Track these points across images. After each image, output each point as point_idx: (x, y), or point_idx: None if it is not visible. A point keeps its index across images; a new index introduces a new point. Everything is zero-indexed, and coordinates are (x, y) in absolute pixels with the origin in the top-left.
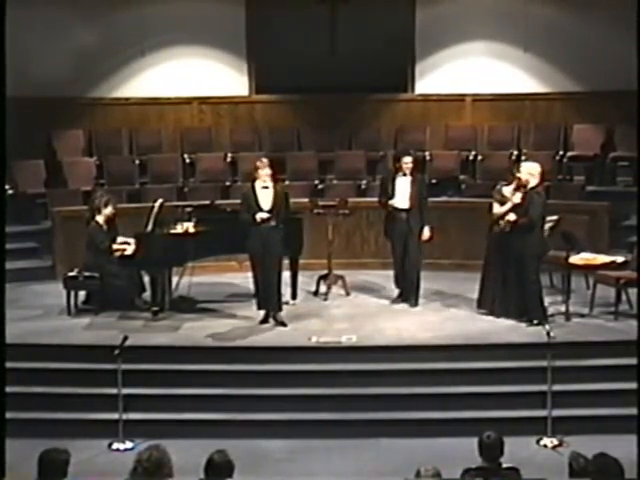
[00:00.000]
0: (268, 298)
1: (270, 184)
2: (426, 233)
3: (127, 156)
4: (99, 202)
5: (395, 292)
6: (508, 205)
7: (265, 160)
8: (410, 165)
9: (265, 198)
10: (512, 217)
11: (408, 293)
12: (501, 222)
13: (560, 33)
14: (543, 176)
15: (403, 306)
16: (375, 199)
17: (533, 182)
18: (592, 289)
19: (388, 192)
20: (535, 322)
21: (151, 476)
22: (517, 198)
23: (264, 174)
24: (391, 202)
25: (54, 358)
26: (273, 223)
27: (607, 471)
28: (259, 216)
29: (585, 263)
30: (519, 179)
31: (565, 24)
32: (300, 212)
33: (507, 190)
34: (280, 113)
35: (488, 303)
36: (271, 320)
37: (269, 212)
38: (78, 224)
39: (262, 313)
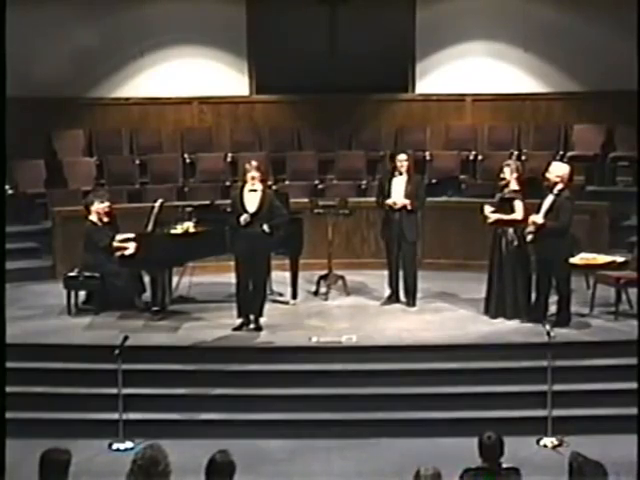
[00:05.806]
0: (250, 301)
1: (258, 187)
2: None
3: (127, 156)
4: (85, 201)
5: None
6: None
7: (254, 163)
8: (405, 164)
9: (251, 201)
10: (539, 220)
11: (405, 294)
12: (529, 228)
13: (560, 33)
14: (571, 178)
15: (402, 306)
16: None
17: (560, 185)
18: (592, 289)
19: (385, 192)
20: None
21: (146, 474)
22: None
23: (251, 177)
24: (387, 201)
25: (54, 358)
26: (259, 227)
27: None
28: (242, 218)
29: (585, 263)
30: (548, 179)
31: (565, 24)
32: (300, 212)
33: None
34: (280, 113)
35: (499, 307)
36: (251, 324)
37: (254, 215)
38: (78, 224)
39: (239, 320)
